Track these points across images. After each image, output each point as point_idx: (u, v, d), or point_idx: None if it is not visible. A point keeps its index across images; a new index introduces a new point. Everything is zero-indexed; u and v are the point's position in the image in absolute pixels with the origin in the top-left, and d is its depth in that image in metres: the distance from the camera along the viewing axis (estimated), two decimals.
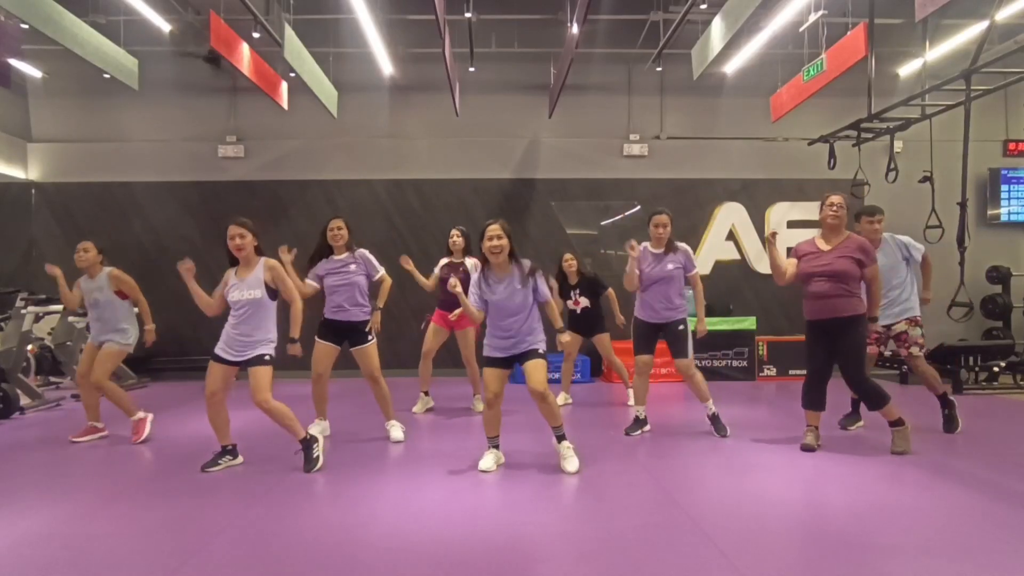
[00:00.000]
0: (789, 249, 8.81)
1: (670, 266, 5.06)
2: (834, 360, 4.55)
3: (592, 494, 3.78)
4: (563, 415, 4.40)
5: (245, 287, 4.17)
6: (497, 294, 4.06)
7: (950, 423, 5.12)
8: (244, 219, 4.29)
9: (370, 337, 5.05)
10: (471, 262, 6.10)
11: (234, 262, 4.28)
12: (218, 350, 4.20)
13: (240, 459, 4.39)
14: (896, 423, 4.51)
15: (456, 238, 6.09)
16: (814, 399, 4.61)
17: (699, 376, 5.13)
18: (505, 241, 4.03)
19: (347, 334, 5.03)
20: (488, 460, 4.22)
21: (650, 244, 5.18)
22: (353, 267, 5.02)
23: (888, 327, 5.14)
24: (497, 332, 4.14)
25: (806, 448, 4.57)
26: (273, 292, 4.25)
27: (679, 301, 5.11)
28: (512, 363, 4.19)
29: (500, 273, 4.09)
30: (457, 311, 5.81)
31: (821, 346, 4.54)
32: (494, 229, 4.03)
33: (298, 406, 4.57)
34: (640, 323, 5.20)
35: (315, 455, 4.23)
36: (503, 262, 4.07)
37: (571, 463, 4.17)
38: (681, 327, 5.08)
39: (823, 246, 4.57)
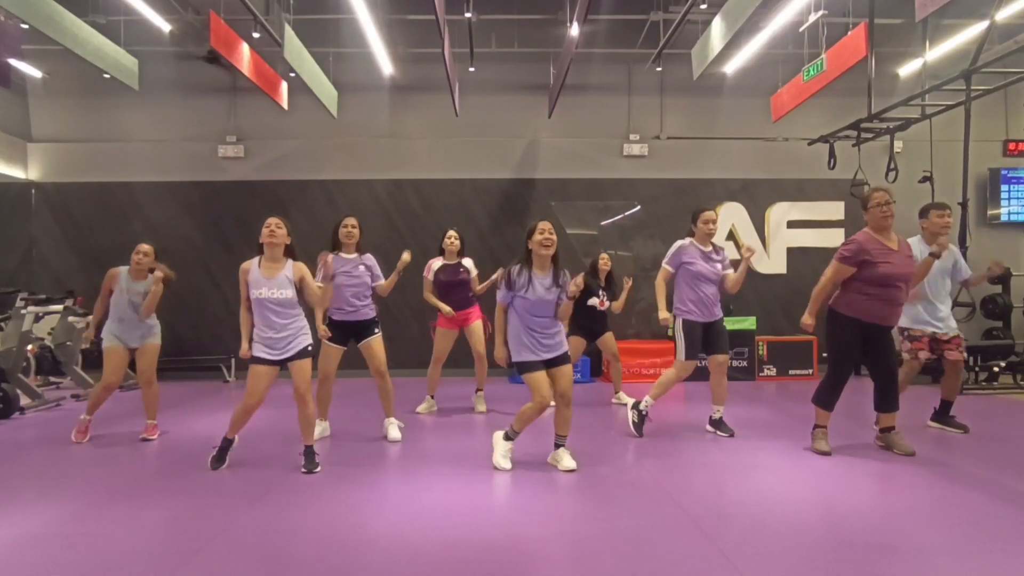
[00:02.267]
0: (789, 249, 9.00)
1: (719, 266, 5.06)
2: (866, 359, 4.50)
3: (592, 494, 3.78)
4: None
5: (275, 285, 4.15)
6: (537, 292, 4.07)
7: (952, 423, 5.22)
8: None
9: (376, 330, 5.09)
10: (468, 262, 6.12)
11: (257, 251, 4.26)
12: (259, 353, 4.15)
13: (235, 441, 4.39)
14: (890, 429, 4.56)
15: (453, 239, 6.07)
16: (834, 399, 4.55)
17: (726, 378, 5.15)
18: (555, 238, 4.12)
19: (354, 332, 5.06)
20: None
21: (696, 240, 5.09)
22: (362, 268, 5.07)
23: (943, 333, 5.06)
24: (535, 334, 4.12)
25: (820, 453, 4.50)
26: (298, 291, 4.28)
27: (721, 298, 5.15)
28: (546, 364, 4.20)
29: (541, 272, 4.12)
30: (447, 309, 5.87)
31: (860, 349, 4.44)
32: (547, 224, 4.15)
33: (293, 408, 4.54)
34: (693, 325, 5.02)
35: (316, 459, 4.26)
36: (547, 259, 4.13)
37: (567, 462, 4.20)
38: (723, 322, 5.14)
39: (890, 244, 4.35)
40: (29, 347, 6.71)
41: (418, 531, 3.19)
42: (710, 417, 5.23)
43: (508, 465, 4.23)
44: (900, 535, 3.08)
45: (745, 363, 8.39)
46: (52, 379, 7.73)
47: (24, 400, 6.25)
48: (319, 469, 4.20)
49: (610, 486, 3.93)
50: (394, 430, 5.12)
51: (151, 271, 5.10)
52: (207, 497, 3.74)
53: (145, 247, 5.09)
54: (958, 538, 3.04)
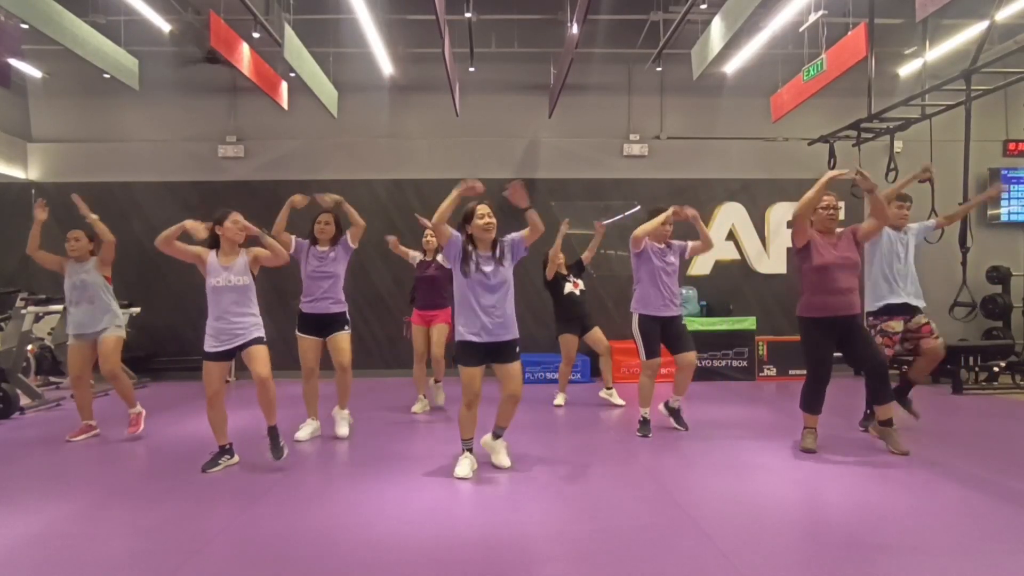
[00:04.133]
0: (789, 249, 8.98)
1: (671, 258, 5.26)
2: (848, 358, 4.53)
3: (592, 494, 3.78)
4: (560, 415, 4.40)
5: (232, 273, 4.24)
6: (484, 270, 4.04)
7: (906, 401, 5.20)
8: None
9: (346, 327, 5.11)
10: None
11: (214, 245, 4.36)
12: (209, 347, 4.21)
13: (236, 458, 4.40)
14: (888, 423, 4.54)
15: (430, 237, 6.15)
16: (818, 402, 4.58)
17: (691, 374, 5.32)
18: (495, 220, 4.11)
19: (325, 326, 5.06)
20: (465, 466, 4.09)
21: (655, 241, 5.28)
22: (333, 255, 5.05)
23: (908, 320, 5.05)
24: (480, 312, 4.00)
25: (806, 451, 4.56)
26: (254, 277, 4.37)
27: (680, 295, 5.34)
28: (488, 357, 4.08)
29: (485, 251, 4.12)
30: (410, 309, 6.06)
31: (830, 347, 4.47)
32: (484, 208, 4.11)
33: (288, 408, 4.54)
34: (648, 320, 5.17)
35: (281, 444, 4.31)
36: (489, 242, 4.13)
37: (502, 458, 4.23)
38: (683, 321, 5.33)
39: (830, 238, 4.52)
40: (29, 347, 6.71)
41: (417, 531, 3.19)
42: (666, 403, 5.37)
43: (468, 473, 4.06)
44: (900, 535, 3.07)
45: (745, 363, 8.39)
46: (52, 379, 7.73)
47: (24, 400, 6.25)
48: (286, 454, 4.27)
49: (609, 486, 3.93)
50: (343, 426, 5.14)
51: (92, 253, 5.35)
52: (206, 497, 3.74)
53: (76, 233, 5.37)
54: (958, 538, 3.04)
